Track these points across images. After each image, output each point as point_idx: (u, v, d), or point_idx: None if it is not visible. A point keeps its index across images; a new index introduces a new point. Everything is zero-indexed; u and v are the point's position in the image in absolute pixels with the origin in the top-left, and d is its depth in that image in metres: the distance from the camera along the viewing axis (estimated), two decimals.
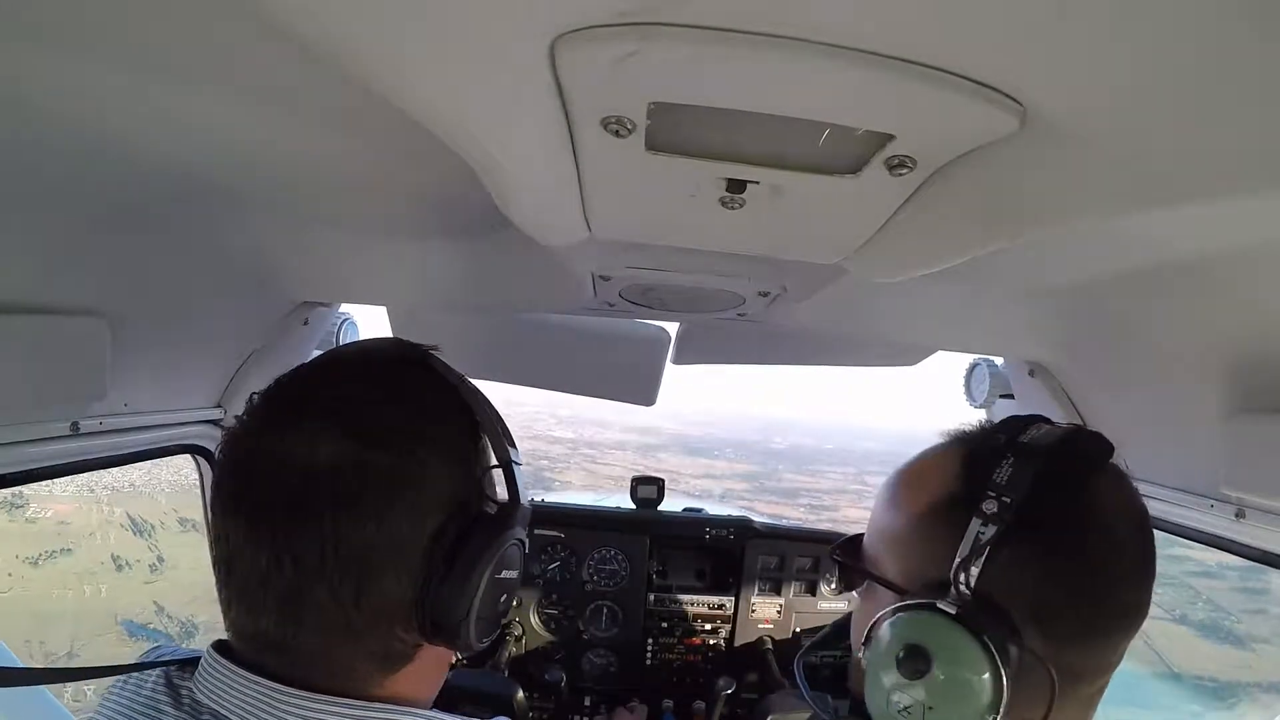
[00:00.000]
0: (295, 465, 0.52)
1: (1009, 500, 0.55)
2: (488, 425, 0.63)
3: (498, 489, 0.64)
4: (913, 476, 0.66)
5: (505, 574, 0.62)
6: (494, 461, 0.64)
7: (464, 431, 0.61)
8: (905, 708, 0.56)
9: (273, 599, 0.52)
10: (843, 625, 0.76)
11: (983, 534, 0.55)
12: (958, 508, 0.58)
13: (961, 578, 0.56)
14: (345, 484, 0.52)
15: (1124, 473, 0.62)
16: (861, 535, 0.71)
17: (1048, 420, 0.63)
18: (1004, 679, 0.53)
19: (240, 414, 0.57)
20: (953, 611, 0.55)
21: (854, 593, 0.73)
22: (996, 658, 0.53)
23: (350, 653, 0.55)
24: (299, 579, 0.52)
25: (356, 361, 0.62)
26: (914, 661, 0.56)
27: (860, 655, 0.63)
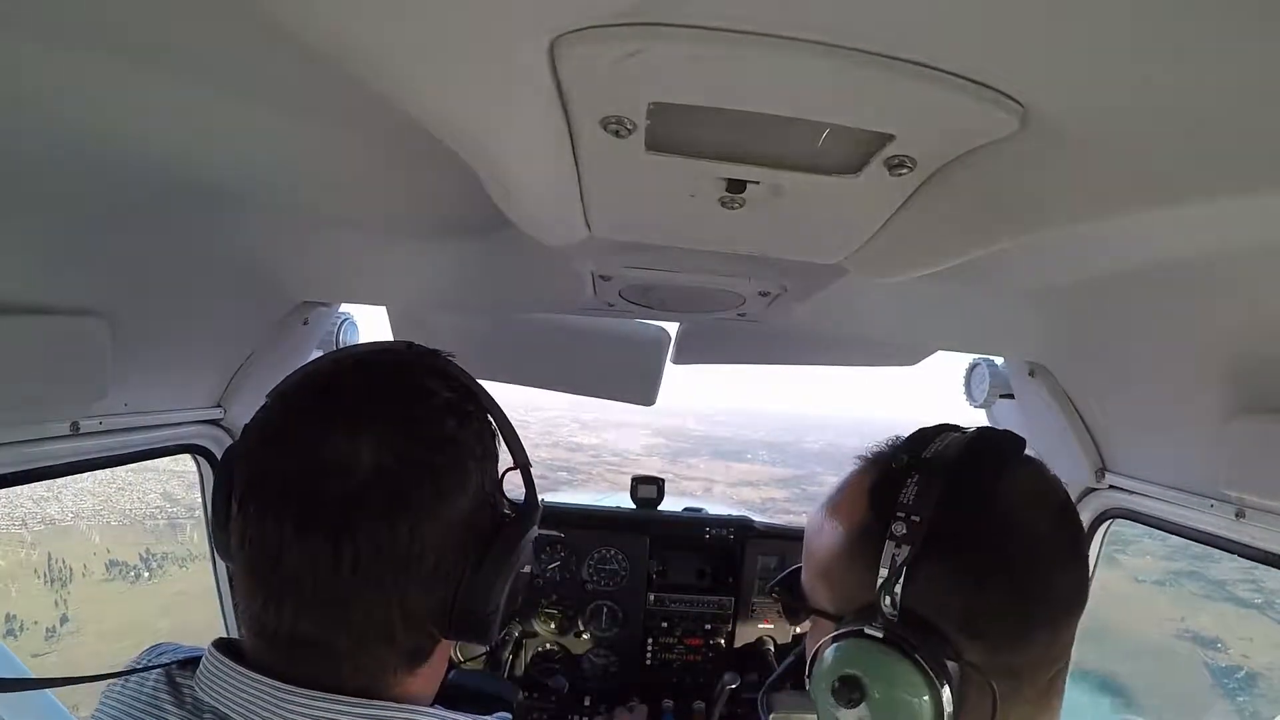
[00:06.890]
0: (345, 468, 0.52)
1: (918, 519, 0.56)
2: (504, 427, 0.65)
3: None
4: (832, 506, 0.67)
5: (524, 570, 0.65)
6: (510, 464, 0.66)
7: (487, 434, 0.63)
8: None
9: (319, 598, 0.53)
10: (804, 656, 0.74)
11: (897, 555, 0.56)
12: (871, 533, 0.59)
13: (886, 600, 0.56)
14: (396, 486, 0.53)
15: (1038, 464, 0.63)
16: (799, 569, 0.71)
17: (955, 428, 0.64)
18: (941, 694, 0.53)
19: (265, 412, 0.57)
20: (880, 635, 0.56)
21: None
22: (931, 674, 0.53)
23: (384, 653, 0.56)
24: (353, 579, 0.52)
25: (386, 366, 0.62)
26: (849, 691, 0.56)
27: (808, 687, 0.63)
